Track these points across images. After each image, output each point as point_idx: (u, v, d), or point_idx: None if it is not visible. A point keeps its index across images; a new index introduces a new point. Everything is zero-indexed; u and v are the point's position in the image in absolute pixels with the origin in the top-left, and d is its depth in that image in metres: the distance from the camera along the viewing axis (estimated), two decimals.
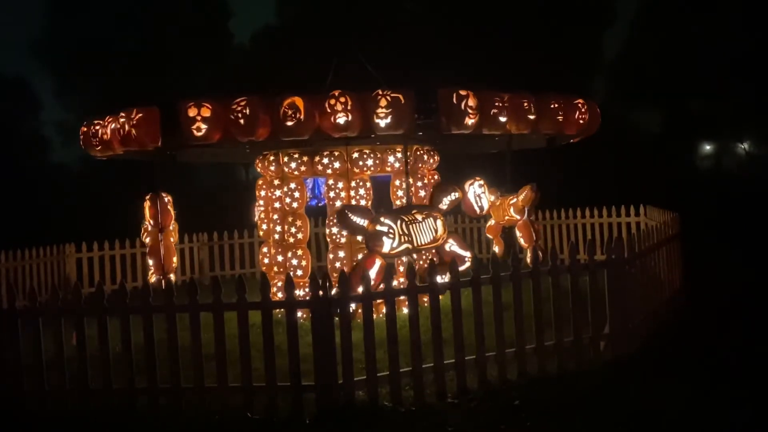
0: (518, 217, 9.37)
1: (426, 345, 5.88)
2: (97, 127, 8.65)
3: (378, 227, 7.59)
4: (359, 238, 8.30)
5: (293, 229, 8.96)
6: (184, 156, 10.10)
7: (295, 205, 8.96)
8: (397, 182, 9.09)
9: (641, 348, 6.68)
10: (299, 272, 8.89)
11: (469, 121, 7.85)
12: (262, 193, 9.79)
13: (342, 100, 7.50)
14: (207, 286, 5.90)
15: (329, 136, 7.71)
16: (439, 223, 8.11)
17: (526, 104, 8.35)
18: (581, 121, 9.08)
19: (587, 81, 29.61)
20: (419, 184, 9.28)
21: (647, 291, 7.38)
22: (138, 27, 30.11)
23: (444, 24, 27.52)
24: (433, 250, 8.27)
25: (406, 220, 7.79)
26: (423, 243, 7.92)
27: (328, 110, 7.51)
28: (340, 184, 8.79)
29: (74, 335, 5.85)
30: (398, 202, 9.13)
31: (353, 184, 8.79)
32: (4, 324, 5.84)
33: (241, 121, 7.48)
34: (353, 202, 8.77)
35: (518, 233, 9.46)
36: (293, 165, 8.88)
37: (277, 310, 5.88)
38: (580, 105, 9.06)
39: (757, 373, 5.96)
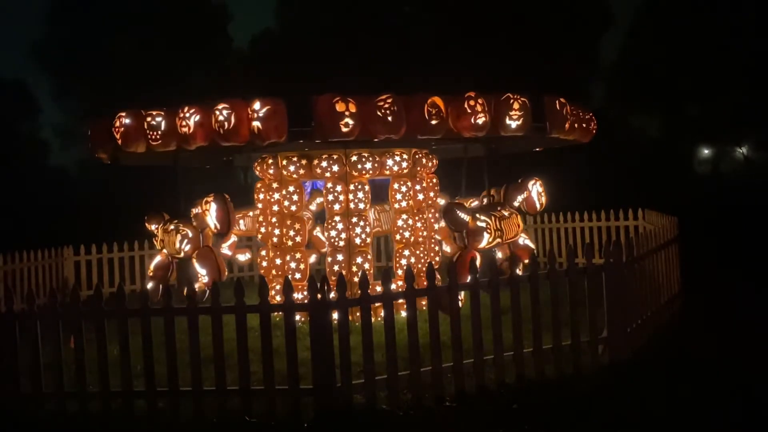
0: None
1: (424, 348, 5.88)
2: (159, 119, 7.88)
3: (478, 223, 8.04)
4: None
5: (292, 232, 8.96)
6: (134, 159, 9.62)
7: (293, 208, 8.96)
8: (396, 185, 9.09)
9: (639, 352, 6.68)
10: (297, 275, 8.90)
11: (567, 125, 8.63)
12: (261, 196, 9.78)
13: (480, 101, 7.86)
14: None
15: (459, 135, 8.00)
16: (519, 219, 8.67)
17: (581, 114, 9.07)
18: (593, 131, 9.72)
19: (585, 84, 29.67)
20: (417, 187, 9.27)
21: (645, 295, 7.38)
22: (136, 30, 30.12)
23: (443, 26, 27.58)
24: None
25: (497, 216, 8.25)
26: (508, 238, 8.47)
27: (468, 111, 7.80)
28: (339, 188, 8.80)
29: (72, 338, 5.85)
30: (397, 205, 9.12)
31: (352, 187, 8.80)
32: (3, 327, 5.83)
33: (390, 118, 7.49)
34: (351, 206, 8.78)
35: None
36: (292, 168, 8.88)
37: (276, 313, 5.87)
38: (592, 116, 9.75)
39: (756, 376, 5.97)
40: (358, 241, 8.80)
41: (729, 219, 17.29)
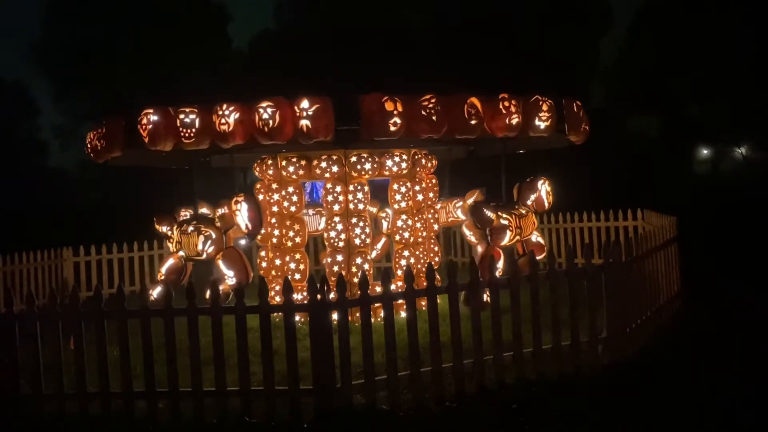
0: (464, 218, 10.08)
1: (424, 349, 5.88)
2: (192, 116, 7.65)
3: (502, 221, 8.42)
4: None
5: (291, 233, 8.96)
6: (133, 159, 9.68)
7: (293, 208, 8.95)
8: (395, 186, 9.10)
9: (639, 352, 6.69)
10: (297, 276, 8.90)
11: (583, 128, 9.04)
12: (260, 197, 9.77)
13: (513, 102, 8.07)
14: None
15: (492, 136, 8.21)
16: (534, 217, 9.09)
17: (582, 114, 9.41)
18: (588, 133, 9.82)
19: (585, 84, 29.68)
20: (417, 188, 9.28)
21: (645, 295, 7.39)
22: (136, 31, 30.12)
23: (443, 30, 27.59)
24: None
25: (517, 214, 8.62)
26: (525, 236, 8.84)
27: (503, 111, 7.99)
28: (338, 188, 8.79)
29: (72, 339, 5.85)
30: (396, 206, 9.13)
31: (351, 188, 8.80)
32: (2, 328, 5.83)
33: (434, 117, 7.58)
34: (351, 207, 8.78)
35: (468, 231, 10.13)
36: (291, 169, 8.88)
37: (276, 313, 5.87)
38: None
39: (755, 376, 5.97)
40: (357, 241, 8.80)
41: (728, 219, 17.29)
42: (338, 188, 8.79)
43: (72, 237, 12.92)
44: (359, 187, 8.82)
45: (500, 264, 8.03)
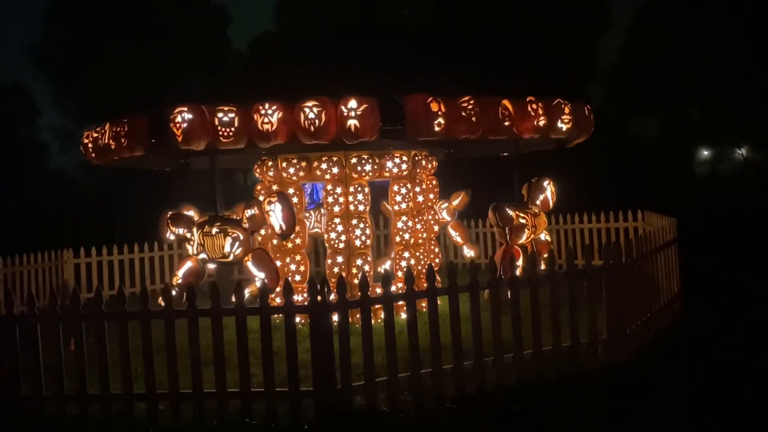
0: (449, 219, 10.41)
1: (424, 350, 5.88)
2: (231, 115, 7.59)
3: (521, 220, 8.73)
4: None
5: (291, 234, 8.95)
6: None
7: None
8: (396, 187, 9.10)
9: (639, 353, 6.69)
10: (297, 277, 8.90)
11: (591, 129, 9.34)
12: (261, 198, 9.77)
13: (540, 104, 8.29)
14: (205, 292, 5.90)
15: (517, 136, 8.37)
16: (544, 216, 9.35)
17: (592, 117, 9.67)
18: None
19: (585, 85, 29.68)
20: (417, 189, 9.29)
21: (645, 296, 7.39)
22: (136, 33, 30.13)
23: (443, 31, 27.60)
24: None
25: (532, 214, 8.91)
26: (537, 234, 9.13)
27: (532, 113, 8.19)
28: (339, 190, 8.80)
29: (72, 341, 5.85)
30: (396, 207, 9.13)
31: (351, 189, 8.80)
32: (3, 329, 5.83)
33: (473, 118, 7.73)
34: (351, 208, 8.78)
35: (454, 232, 10.51)
36: (292, 170, 8.88)
37: (276, 315, 5.88)
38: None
39: (754, 378, 5.97)
40: (357, 243, 8.81)
41: (728, 220, 17.30)
42: (339, 190, 8.80)
43: (72, 238, 12.92)
44: (359, 189, 8.82)
45: (520, 262, 8.13)
